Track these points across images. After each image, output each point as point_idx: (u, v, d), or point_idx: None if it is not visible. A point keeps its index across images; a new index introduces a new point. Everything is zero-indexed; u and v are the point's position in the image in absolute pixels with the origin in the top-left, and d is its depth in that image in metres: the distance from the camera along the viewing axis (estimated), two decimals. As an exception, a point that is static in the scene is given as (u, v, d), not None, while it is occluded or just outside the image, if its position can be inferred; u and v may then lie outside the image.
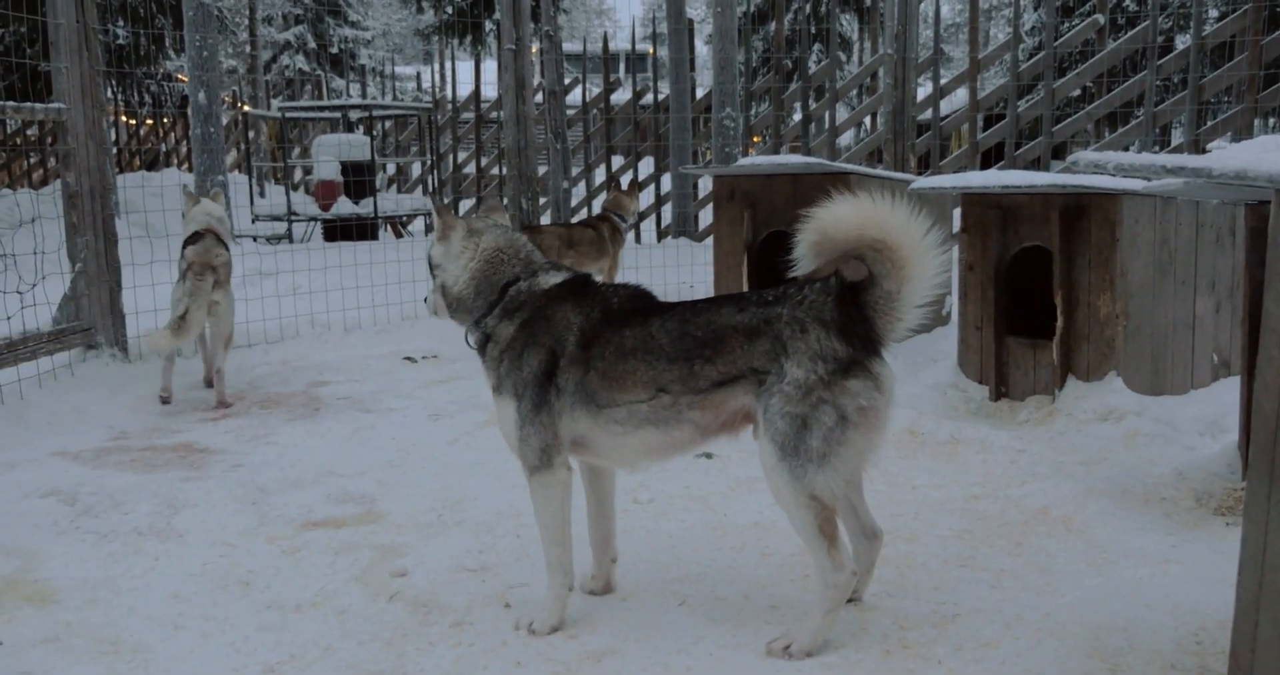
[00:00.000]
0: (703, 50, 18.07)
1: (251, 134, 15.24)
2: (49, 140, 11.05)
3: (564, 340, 2.67)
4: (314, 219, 10.94)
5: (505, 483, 3.85)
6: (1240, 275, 4.40)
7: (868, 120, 11.83)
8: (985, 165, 9.69)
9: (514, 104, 8.01)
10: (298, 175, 14.38)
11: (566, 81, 10.96)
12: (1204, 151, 8.19)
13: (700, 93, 11.28)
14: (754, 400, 2.52)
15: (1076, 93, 11.87)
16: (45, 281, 5.30)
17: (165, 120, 15.91)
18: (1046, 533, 3.33)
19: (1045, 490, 3.64)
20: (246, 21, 22.43)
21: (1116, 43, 9.47)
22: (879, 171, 6.47)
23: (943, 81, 10.22)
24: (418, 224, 12.87)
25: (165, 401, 5.20)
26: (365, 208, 10.66)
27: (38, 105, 5.46)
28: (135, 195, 8.73)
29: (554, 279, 2.80)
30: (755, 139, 12.25)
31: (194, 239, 5.35)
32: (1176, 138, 10.38)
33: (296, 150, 14.66)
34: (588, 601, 2.88)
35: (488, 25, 20.88)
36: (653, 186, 11.36)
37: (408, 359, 6.38)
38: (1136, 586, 2.87)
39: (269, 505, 3.77)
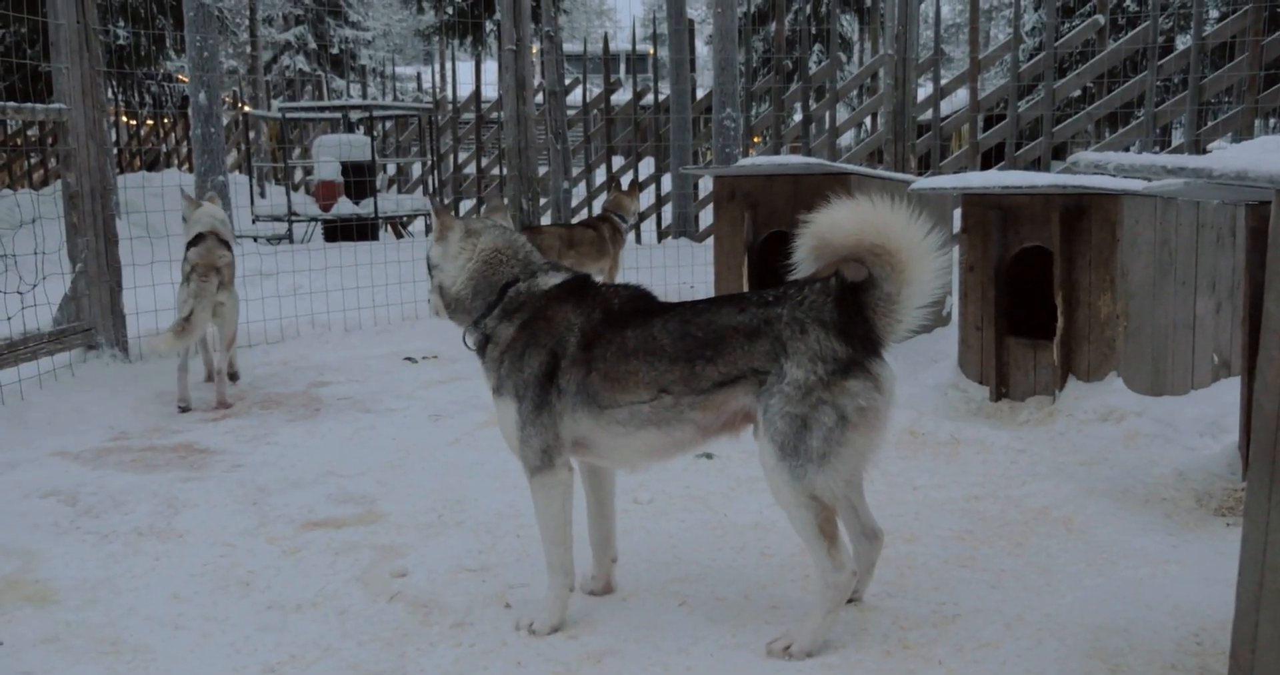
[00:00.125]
0: (703, 51, 18.08)
1: (252, 134, 15.25)
2: (50, 141, 11.06)
3: (565, 341, 2.66)
4: (314, 219, 10.95)
5: (506, 483, 3.85)
6: (1241, 276, 4.40)
7: (868, 121, 11.83)
8: (986, 166, 9.69)
9: (514, 104, 8.01)
10: (298, 176, 14.39)
11: (567, 82, 10.96)
12: (1204, 152, 8.19)
13: (701, 93, 11.28)
14: (754, 400, 2.52)
15: (1077, 93, 11.88)
16: (46, 282, 5.31)
17: (166, 121, 15.92)
18: (1047, 533, 3.33)
19: (1046, 491, 3.64)
20: (247, 22, 22.44)
21: (1117, 43, 9.47)
22: (879, 172, 6.47)
23: (943, 82, 10.22)
24: (418, 224, 12.87)
25: (184, 410, 5.19)
26: (366, 208, 10.66)
27: (38, 106, 5.46)
28: (136, 196, 8.73)
29: (553, 280, 2.79)
30: (756, 139, 12.26)
31: (197, 241, 5.36)
32: (1177, 138, 10.38)
33: (297, 151, 14.67)
34: (588, 602, 2.88)
35: (488, 26, 20.90)
36: (653, 187, 11.36)
37: (408, 359, 6.38)
38: (1137, 587, 2.87)
39: (269, 505, 3.77)
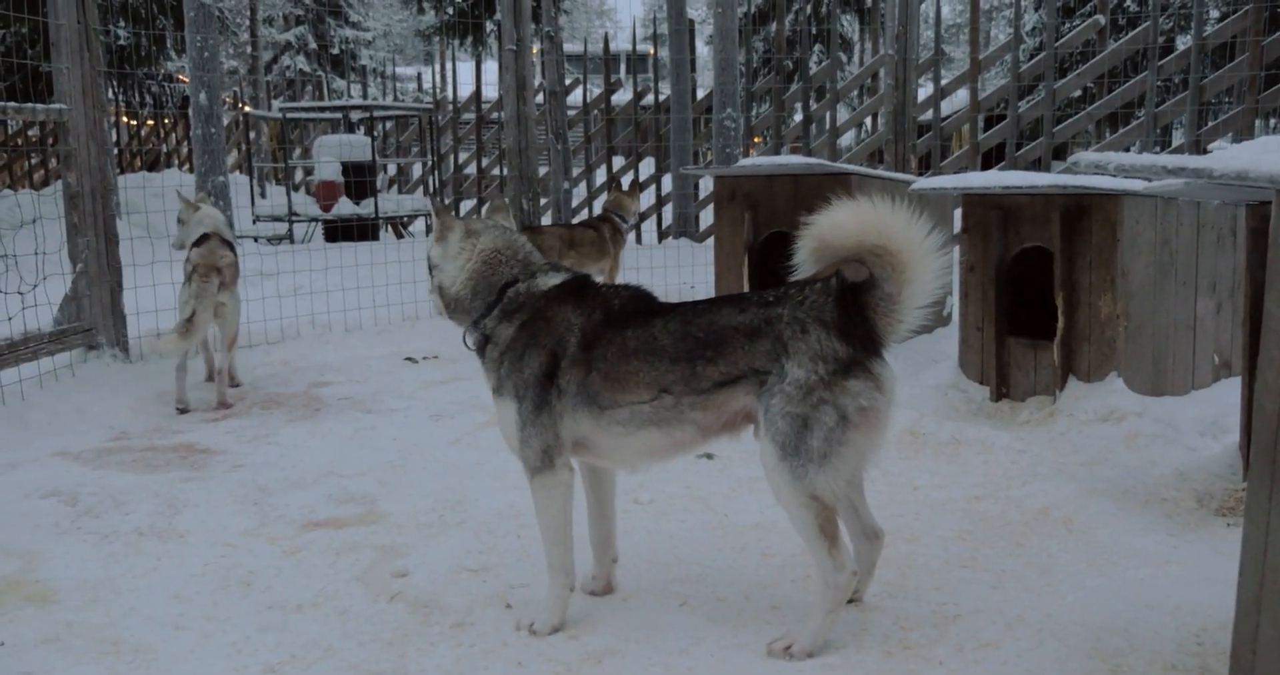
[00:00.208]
0: (703, 51, 18.09)
1: (252, 135, 15.26)
2: (50, 141, 11.05)
3: (565, 341, 2.66)
4: (315, 220, 10.95)
5: (506, 483, 3.85)
6: (1241, 276, 4.39)
7: (869, 121, 11.83)
8: (986, 166, 9.69)
9: (515, 105, 8.01)
10: (299, 176, 14.39)
11: (567, 82, 10.96)
12: (1205, 152, 8.19)
13: (701, 93, 11.28)
14: (755, 401, 2.52)
15: (1077, 93, 11.88)
16: (46, 282, 5.31)
17: (166, 121, 15.93)
18: (1047, 533, 3.33)
19: (1046, 491, 3.64)
20: (247, 22, 22.46)
21: (1117, 43, 9.47)
22: (880, 172, 6.47)
23: (943, 82, 10.22)
24: (418, 225, 12.87)
25: (183, 411, 5.19)
26: (366, 208, 10.67)
27: (39, 106, 5.46)
28: (136, 196, 8.74)
29: (553, 280, 2.79)
30: (756, 140, 12.26)
31: (201, 241, 5.37)
32: (1177, 138, 10.38)
33: (297, 151, 14.68)
34: (589, 602, 2.89)
35: (489, 26, 20.90)
36: (654, 187, 11.36)
37: (409, 359, 6.39)
38: (1137, 587, 2.87)
39: (270, 505, 3.77)
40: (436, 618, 2.82)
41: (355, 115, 12.48)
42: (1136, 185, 4.19)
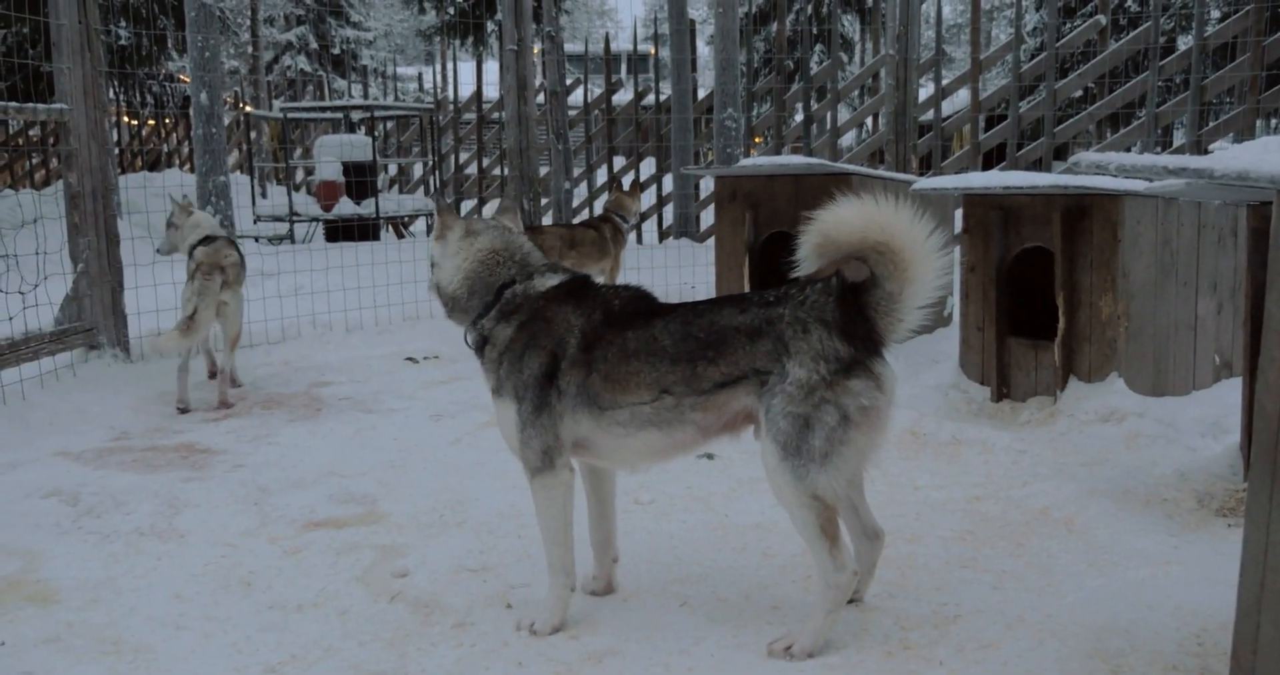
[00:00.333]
0: (704, 51, 18.10)
1: (253, 134, 15.26)
2: (51, 141, 11.06)
3: (565, 342, 2.66)
4: (316, 219, 10.95)
5: (507, 483, 3.85)
6: (1242, 276, 4.40)
7: (869, 121, 11.83)
8: (987, 166, 9.68)
9: (516, 105, 8.01)
10: (299, 176, 14.40)
11: (568, 82, 10.96)
12: (1206, 152, 8.18)
13: (702, 93, 11.28)
14: (756, 401, 2.52)
15: (1078, 93, 11.88)
16: (47, 282, 5.32)
17: (167, 121, 15.94)
18: (1048, 534, 3.33)
19: (1047, 491, 3.64)
20: (248, 22, 22.45)
21: (1118, 43, 9.47)
22: (881, 172, 6.47)
23: (944, 82, 10.22)
24: (419, 225, 12.88)
25: (183, 411, 5.19)
26: (367, 208, 10.67)
27: (40, 106, 5.47)
28: (137, 196, 8.74)
29: (551, 281, 2.79)
30: (757, 140, 12.24)
31: (206, 241, 5.39)
32: (1178, 139, 10.37)
33: (298, 151, 14.68)
34: (589, 602, 2.89)
35: (489, 26, 20.91)
36: (654, 187, 11.36)
37: (409, 359, 6.39)
38: (1138, 588, 2.87)
39: (271, 505, 3.77)
40: (437, 618, 2.82)
41: (356, 115, 12.49)
42: (1137, 185, 4.19)
